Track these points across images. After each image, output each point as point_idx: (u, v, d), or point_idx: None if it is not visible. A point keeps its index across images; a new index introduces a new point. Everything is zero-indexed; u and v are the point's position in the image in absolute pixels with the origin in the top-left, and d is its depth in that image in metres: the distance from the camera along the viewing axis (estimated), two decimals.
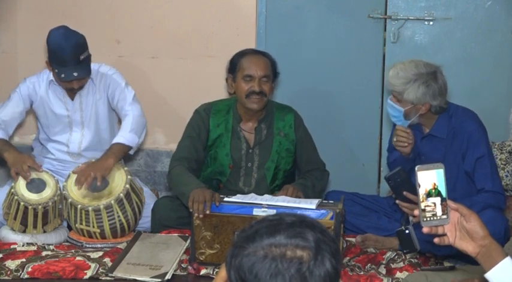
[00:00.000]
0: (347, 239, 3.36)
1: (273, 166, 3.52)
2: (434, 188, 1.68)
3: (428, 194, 1.68)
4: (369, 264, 3.14)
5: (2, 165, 3.62)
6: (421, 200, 1.68)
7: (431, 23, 4.05)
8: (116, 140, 3.55)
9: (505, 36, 4.00)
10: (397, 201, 2.99)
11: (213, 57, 4.25)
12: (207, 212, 3.06)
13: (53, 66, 3.52)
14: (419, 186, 1.68)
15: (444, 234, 1.70)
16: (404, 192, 2.86)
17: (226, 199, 3.16)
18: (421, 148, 3.32)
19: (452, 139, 3.27)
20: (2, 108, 3.70)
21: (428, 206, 1.68)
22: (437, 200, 1.68)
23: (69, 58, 3.46)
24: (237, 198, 3.16)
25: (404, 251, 3.21)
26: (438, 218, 1.68)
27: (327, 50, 4.19)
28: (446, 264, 3.09)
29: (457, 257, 3.16)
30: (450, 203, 1.69)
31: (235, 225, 3.05)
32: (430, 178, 1.68)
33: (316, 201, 3.12)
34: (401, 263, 3.17)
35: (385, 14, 4.07)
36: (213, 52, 4.25)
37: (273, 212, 2.95)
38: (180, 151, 3.50)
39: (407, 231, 3.13)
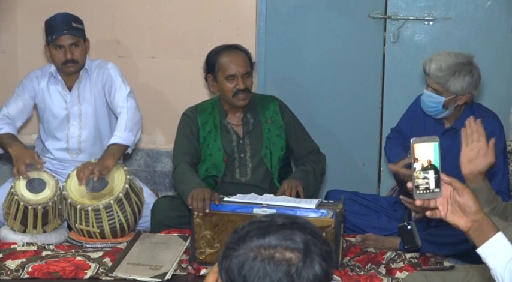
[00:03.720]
0: (347, 239, 3.36)
1: (268, 152, 3.54)
2: (430, 164, 1.68)
3: (424, 169, 1.68)
4: (369, 264, 3.14)
5: (7, 160, 3.62)
6: (416, 174, 1.68)
7: (431, 23, 4.05)
8: (112, 141, 3.56)
9: (505, 36, 4.00)
10: (401, 197, 2.97)
11: None
12: (207, 210, 3.08)
13: (47, 39, 3.60)
14: (416, 160, 1.68)
15: (436, 208, 1.70)
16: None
17: (226, 199, 3.16)
18: (441, 142, 3.31)
19: None
20: (9, 102, 3.73)
21: (422, 179, 1.68)
22: (431, 173, 1.68)
23: (60, 23, 3.59)
24: (237, 198, 3.17)
25: (406, 247, 3.20)
26: (431, 191, 1.69)
27: (327, 50, 4.19)
28: (446, 264, 3.09)
29: (457, 256, 3.16)
30: (443, 176, 1.69)
31: (236, 223, 3.04)
32: (426, 152, 1.68)
33: (316, 201, 3.12)
34: (401, 263, 3.17)
35: (385, 14, 4.07)
36: None
37: (273, 211, 2.95)
38: (179, 149, 3.53)
39: (409, 227, 3.12)
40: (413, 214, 3.11)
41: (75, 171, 3.51)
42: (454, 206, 1.69)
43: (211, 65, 3.49)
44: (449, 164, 1.71)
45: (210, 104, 3.61)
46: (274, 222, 1.32)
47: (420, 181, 1.68)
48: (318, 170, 3.53)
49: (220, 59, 3.46)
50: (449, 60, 3.16)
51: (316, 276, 1.27)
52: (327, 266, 1.28)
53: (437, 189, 1.69)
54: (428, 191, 1.69)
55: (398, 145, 3.54)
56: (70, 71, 3.65)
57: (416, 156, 1.68)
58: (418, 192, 1.69)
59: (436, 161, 1.69)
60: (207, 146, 3.53)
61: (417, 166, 1.68)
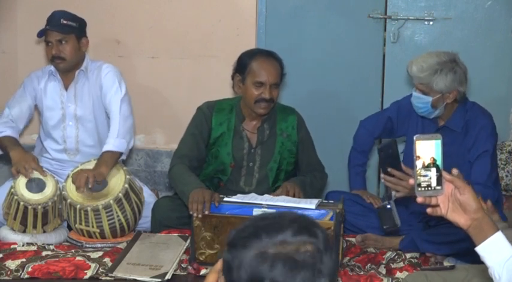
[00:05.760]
0: (347, 239, 3.36)
1: (276, 166, 3.50)
2: (433, 163, 1.68)
3: (426, 167, 1.69)
4: (369, 264, 3.14)
5: (7, 161, 3.63)
6: (418, 172, 1.68)
7: (431, 23, 4.05)
8: (105, 148, 3.56)
9: (505, 36, 4.00)
10: (382, 176, 2.89)
11: (213, 57, 4.26)
12: (206, 212, 3.06)
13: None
14: (418, 158, 1.68)
15: (437, 205, 1.71)
16: (389, 169, 2.77)
17: (226, 199, 3.15)
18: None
19: (465, 133, 3.29)
20: (11, 104, 3.75)
21: (423, 176, 1.68)
22: (433, 170, 1.69)
23: (52, 19, 3.62)
24: (237, 198, 3.16)
25: (384, 227, 3.10)
26: (433, 188, 1.69)
27: (327, 50, 4.19)
28: (446, 264, 3.09)
29: (457, 256, 3.16)
30: (445, 174, 1.69)
31: (235, 225, 3.02)
32: (428, 150, 1.68)
33: (316, 201, 3.12)
34: (401, 263, 3.17)
35: (385, 14, 4.08)
36: (213, 52, 4.25)
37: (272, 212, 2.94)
38: (181, 148, 3.48)
39: (388, 206, 3.05)
40: (393, 193, 3.00)
41: (74, 172, 3.52)
42: (454, 203, 1.70)
43: (243, 66, 3.37)
44: (444, 163, 1.71)
45: (229, 105, 3.51)
46: (284, 218, 1.33)
47: (422, 178, 1.69)
48: (315, 184, 3.49)
49: (253, 62, 3.35)
50: (430, 60, 3.17)
51: (333, 267, 1.31)
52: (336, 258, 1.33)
53: (438, 187, 1.69)
54: (429, 189, 1.69)
55: (360, 163, 3.67)
56: (60, 68, 3.66)
57: (418, 154, 1.68)
58: (419, 189, 1.69)
59: (438, 159, 1.69)
60: (217, 147, 3.48)
61: (419, 164, 1.69)
